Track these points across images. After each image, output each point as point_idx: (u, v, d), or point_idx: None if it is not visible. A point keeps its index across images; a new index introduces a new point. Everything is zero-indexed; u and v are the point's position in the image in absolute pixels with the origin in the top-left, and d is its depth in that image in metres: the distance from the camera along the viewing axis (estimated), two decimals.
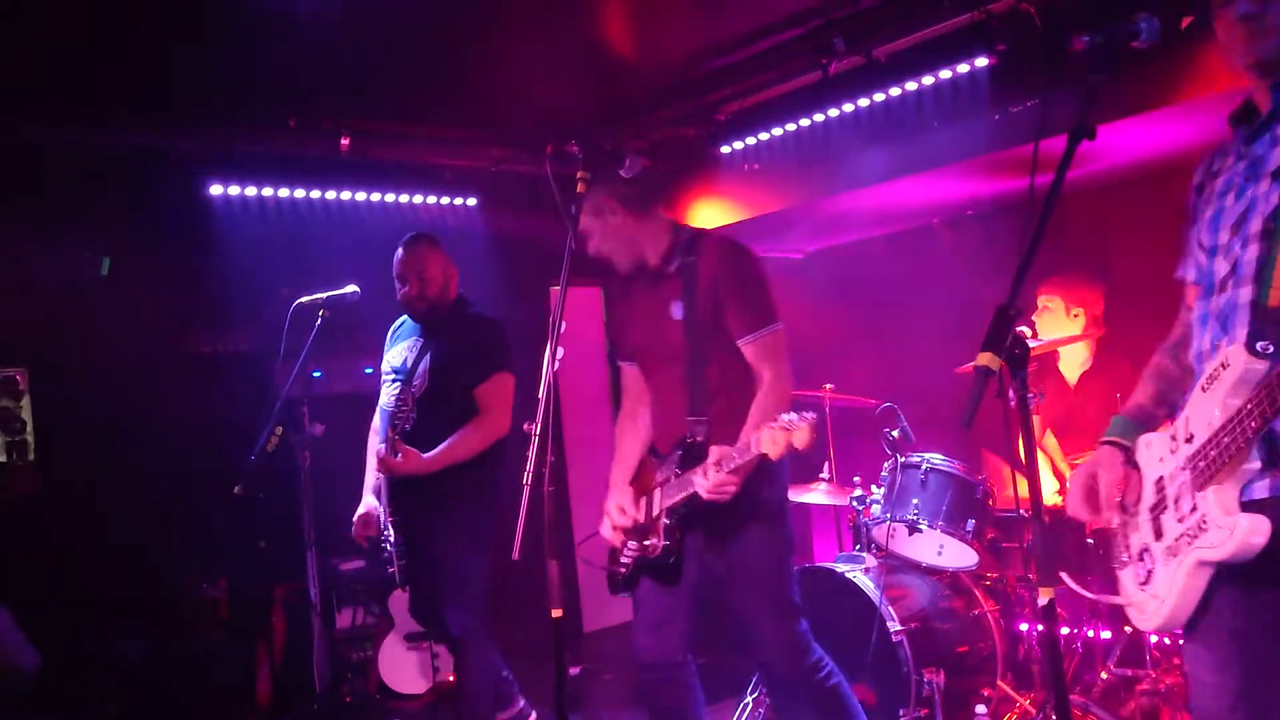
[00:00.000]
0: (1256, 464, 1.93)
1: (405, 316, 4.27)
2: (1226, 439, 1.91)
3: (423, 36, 4.23)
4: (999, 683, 4.10)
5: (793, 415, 2.75)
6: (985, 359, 1.92)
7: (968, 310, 4.83)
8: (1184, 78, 3.83)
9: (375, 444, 4.24)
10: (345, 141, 5.10)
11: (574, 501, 6.46)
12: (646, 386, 3.40)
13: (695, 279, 3.16)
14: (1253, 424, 1.85)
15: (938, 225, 6.13)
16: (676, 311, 3.19)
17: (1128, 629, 4.15)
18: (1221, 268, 2.04)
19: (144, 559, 4.87)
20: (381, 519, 4.09)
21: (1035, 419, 4.52)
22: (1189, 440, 2.03)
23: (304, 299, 4.45)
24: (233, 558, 4.93)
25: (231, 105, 4.79)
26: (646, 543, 3.20)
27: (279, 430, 4.25)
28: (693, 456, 3.09)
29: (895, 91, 4.62)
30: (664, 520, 3.14)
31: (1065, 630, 4.17)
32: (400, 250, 4.12)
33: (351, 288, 4.44)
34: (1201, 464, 1.98)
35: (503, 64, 4.53)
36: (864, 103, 4.76)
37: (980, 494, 4.16)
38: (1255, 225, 1.97)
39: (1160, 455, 2.13)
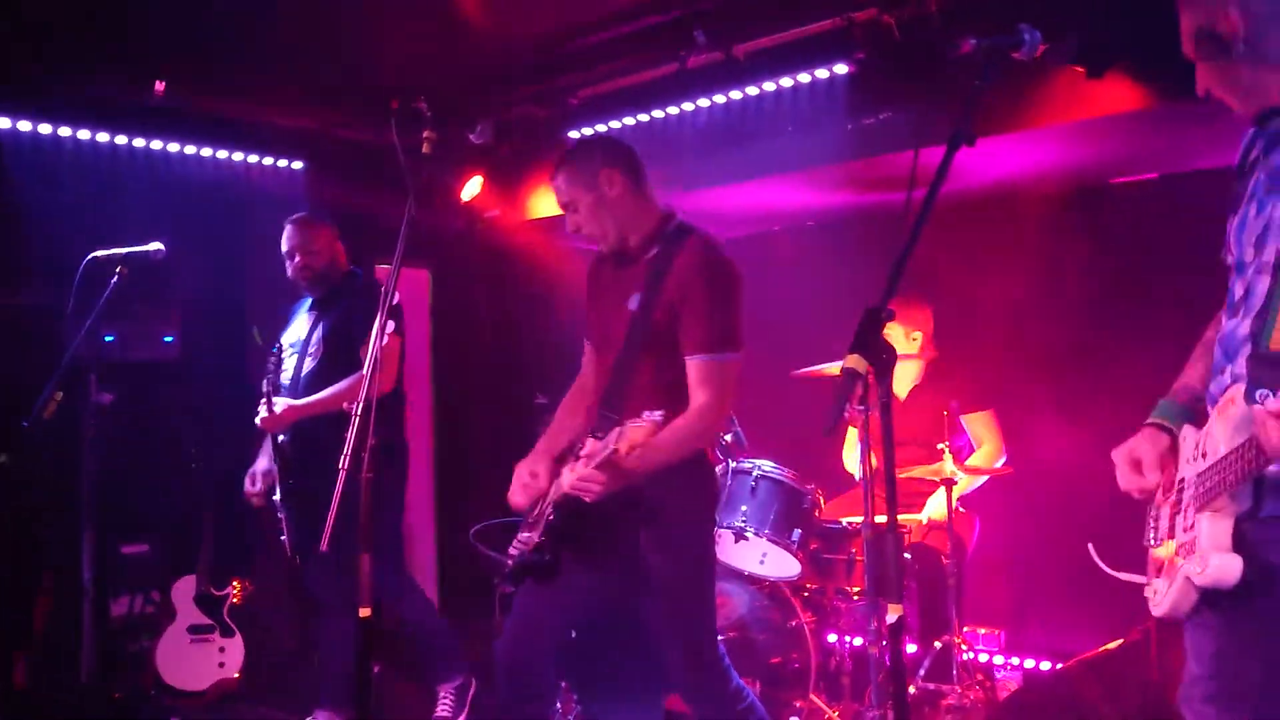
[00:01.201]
0: (1247, 504, 1.90)
1: (301, 300, 4.46)
2: (1226, 472, 1.88)
3: None
4: (811, 695, 4.09)
5: (658, 414, 2.61)
6: (853, 361, 1.84)
7: (802, 319, 4.88)
8: (1032, 105, 3.90)
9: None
10: (160, 86, 4.69)
11: None
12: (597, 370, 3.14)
13: (663, 276, 2.89)
14: (1247, 466, 1.82)
15: (777, 232, 6.14)
16: (633, 302, 2.93)
17: (937, 644, 4.23)
18: (1238, 290, 2.00)
19: None
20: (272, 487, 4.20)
21: (853, 432, 4.54)
22: (1203, 457, 1.99)
23: (100, 253, 4.11)
24: None
25: (29, 33, 4.29)
26: (527, 535, 2.95)
27: (58, 395, 3.90)
28: None
29: (752, 91, 4.58)
30: (549, 515, 2.90)
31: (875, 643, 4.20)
32: (287, 227, 4.31)
33: (156, 245, 4.13)
34: (1205, 486, 1.95)
35: (344, 22, 4.24)
36: (720, 99, 4.70)
37: (808, 504, 4.16)
38: (1269, 253, 1.90)
39: (1189, 456, 2.07)
